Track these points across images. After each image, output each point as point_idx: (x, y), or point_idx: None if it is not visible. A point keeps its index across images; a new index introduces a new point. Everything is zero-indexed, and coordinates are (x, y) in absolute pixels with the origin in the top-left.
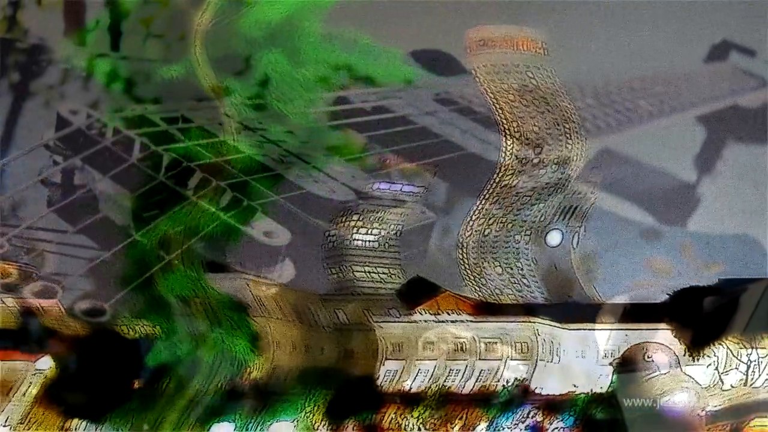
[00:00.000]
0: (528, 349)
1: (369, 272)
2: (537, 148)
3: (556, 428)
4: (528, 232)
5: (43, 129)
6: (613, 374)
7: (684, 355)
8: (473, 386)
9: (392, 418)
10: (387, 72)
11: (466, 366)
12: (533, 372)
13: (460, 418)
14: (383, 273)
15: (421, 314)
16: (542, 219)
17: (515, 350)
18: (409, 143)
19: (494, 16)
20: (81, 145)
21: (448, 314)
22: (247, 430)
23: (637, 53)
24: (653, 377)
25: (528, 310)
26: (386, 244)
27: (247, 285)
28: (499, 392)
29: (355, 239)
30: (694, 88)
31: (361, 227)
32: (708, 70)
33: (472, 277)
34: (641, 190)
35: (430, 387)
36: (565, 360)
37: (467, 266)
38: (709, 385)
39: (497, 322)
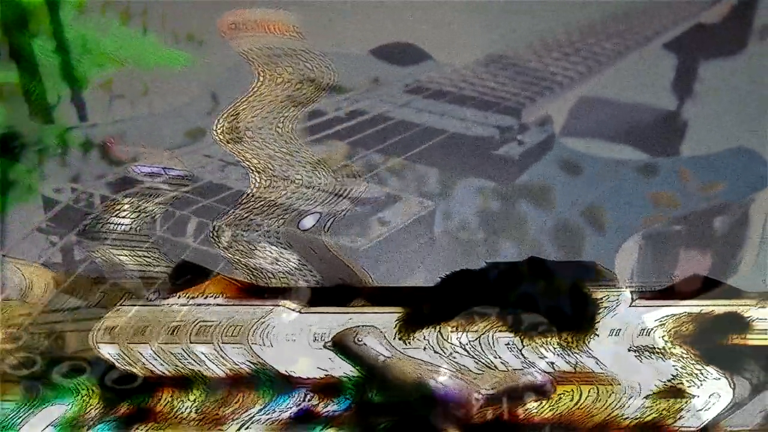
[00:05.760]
0: (239, 333)
1: (131, 255)
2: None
3: (328, 411)
4: (284, 217)
5: (32, 214)
6: (342, 358)
7: (395, 339)
8: (227, 369)
9: (167, 402)
10: (150, 57)
11: (183, 348)
12: (254, 355)
13: (236, 402)
14: (146, 256)
15: (172, 299)
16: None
17: (226, 334)
18: (392, 139)
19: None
20: (73, 221)
21: (194, 298)
22: (20, 412)
23: None
24: (389, 361)
25: (286, 292)
26: (138, 229)
27: (17, 268)
28: (259, 375)
29: (112, 222)
30: (655, 18)
31: (122, 210)
32: None
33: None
34: (627, 129)
35: (183, 370)
36: (278, 344)
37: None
38: (472, 368)
39: (237, 305)
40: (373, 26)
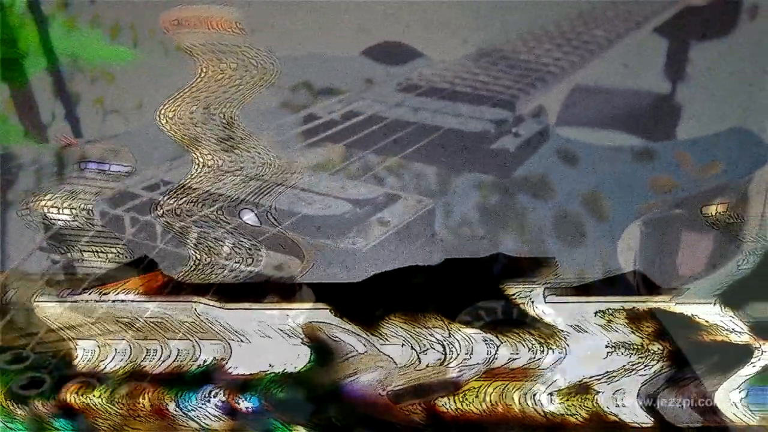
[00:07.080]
0: (202, 330)
1: (96, 252)
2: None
3: (247, 407)
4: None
5: (33, 233)
6: (310, 354)
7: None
8: (169, 366)
9: (74, 397)
10: (91, 52)
11: (125, 345)
12: (230, 352)
13: (144, 397)
14: (110, 253)
15: (88, 294)
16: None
17: (182, 331)
18: (387, 138)
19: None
20: (73, 238)
21: (113, 293)
22: None
23: None
24: (350, 357)
25: (207, 289)
26: (90, 224)
27: None
28: (191, 372)
29: (52, 220)
30: (644, 2)
31: (53, 207)
32: None
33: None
34: (621, 116)
35: (123, 366)
36: (256, 340)
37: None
38: (406, 364)
39: (159, 301)
40: (364, 27)
